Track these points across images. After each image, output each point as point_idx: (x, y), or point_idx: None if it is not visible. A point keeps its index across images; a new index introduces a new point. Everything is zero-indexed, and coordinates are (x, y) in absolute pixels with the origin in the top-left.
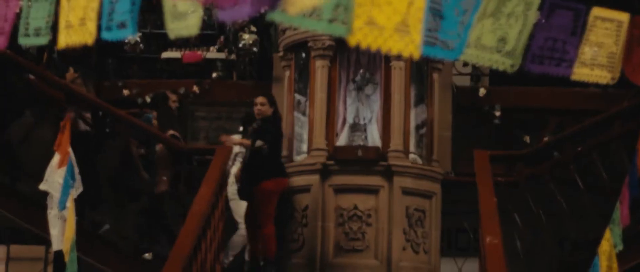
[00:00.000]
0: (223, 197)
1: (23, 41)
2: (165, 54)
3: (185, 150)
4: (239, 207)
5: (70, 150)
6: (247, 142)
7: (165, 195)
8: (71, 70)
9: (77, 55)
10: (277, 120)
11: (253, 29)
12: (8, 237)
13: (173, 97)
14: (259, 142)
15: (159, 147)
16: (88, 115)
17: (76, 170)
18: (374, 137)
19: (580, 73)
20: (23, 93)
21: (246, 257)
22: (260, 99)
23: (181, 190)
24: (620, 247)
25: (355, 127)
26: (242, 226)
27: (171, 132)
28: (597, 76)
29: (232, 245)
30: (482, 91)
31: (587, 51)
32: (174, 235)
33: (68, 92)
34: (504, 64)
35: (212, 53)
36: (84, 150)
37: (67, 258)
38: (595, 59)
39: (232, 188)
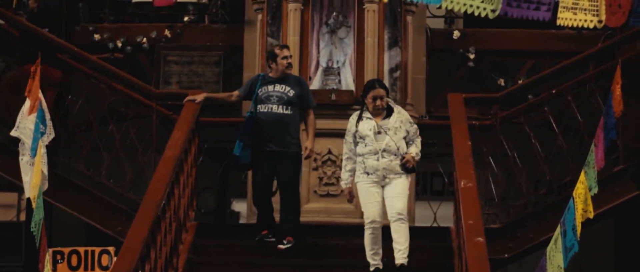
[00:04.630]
0: (196, 143)
1: None
2: None
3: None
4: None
5: (41, 96)
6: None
7: None
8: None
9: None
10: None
11: None
12: None
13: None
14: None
15: None
16: None
17: (47, 116)
18: (347, 81)
19: (564, 17)
20: None
21: None
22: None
23: None
24: (595, 190)
25: (329, 71)
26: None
27: None
28: (581, 20)
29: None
30: (456, 34)
31: None
32: None
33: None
34: (485, 10)
35: None
36: None
37: (34, 205)
38: (577, 2)
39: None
